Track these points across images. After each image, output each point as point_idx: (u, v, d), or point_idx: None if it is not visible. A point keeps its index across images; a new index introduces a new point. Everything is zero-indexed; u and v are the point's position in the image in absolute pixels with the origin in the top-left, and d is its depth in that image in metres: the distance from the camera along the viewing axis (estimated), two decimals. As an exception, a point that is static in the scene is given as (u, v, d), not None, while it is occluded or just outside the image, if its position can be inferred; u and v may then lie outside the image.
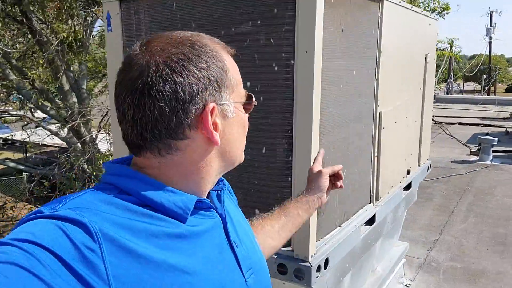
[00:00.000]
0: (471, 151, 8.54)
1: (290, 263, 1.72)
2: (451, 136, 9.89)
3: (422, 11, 2.83)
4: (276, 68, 1.67)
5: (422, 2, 11.53)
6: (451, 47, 31.26)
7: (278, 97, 1.69)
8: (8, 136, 15.93)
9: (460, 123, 12.98)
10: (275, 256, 1.75)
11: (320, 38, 1.59)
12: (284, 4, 1.61)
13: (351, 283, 2.37)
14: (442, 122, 11.84)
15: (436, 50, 3.64)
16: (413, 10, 2.63)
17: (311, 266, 1.68)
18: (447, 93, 27.26)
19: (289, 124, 1.68)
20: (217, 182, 0.94)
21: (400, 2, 2.39)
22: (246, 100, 0.88)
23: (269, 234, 1.21)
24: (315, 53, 1.57)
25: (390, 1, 2.20)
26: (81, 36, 6.98)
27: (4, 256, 0.60)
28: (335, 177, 1.38)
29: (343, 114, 1.91)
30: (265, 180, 1.78)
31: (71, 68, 7.34)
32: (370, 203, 2.30)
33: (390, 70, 2.32)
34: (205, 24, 1.81)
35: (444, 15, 15.31)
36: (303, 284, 1.70)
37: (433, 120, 4.56)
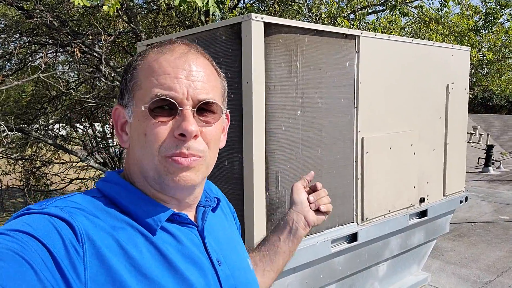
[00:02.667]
0: None
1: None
2: None
3: (434, 43, 2.92)
4: (232, 96, 2.06)
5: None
6: None
7: (234, 119, 2.07)
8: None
9: None
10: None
11: (260, 72, 1.95)
12: (235, 46, 2.02)
13: (334, 297, 2.49)
14: None
15: None
16: (416, 43, 2.77)
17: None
18: None
19: (240, 142, 2.04)
20: (208, 199, 0.96)
21: (389, 36, 2.59)
22: (145, 104, 0.80)
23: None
24: (254, 84, 1.93)
25: (367, 36, 2.43)
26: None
27: (1, 243, 0.63)
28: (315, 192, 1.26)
29: (306, 136, 2.18)
30: (229, 188, 2.14)
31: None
32: (353, 222, 2.45)
33: (378, 101, 2.50)
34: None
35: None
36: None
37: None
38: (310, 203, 1.22)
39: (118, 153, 14.07)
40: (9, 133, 4.93)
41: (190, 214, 0.90)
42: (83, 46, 7.10)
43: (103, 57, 5.43)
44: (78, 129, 13.90)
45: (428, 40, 2.92)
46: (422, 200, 2.86)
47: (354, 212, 2.45)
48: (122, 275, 0.71)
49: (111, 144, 14.08)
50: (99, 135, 14.63)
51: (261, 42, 1.95)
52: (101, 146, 13.60)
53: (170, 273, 0.77)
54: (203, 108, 0.82)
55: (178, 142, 0.79)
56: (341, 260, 2.41)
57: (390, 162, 2.61)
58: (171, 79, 0.80)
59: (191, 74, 0.82)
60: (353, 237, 2.41)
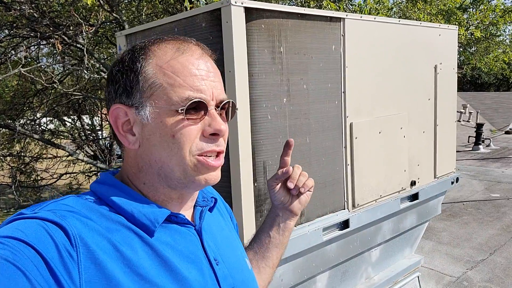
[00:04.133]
0: None
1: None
2: None
3: (421, 23, 2.86)
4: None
5: None
6: None
7: (218, 110, 2.00)
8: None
9: None
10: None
11: (242, 59, 1.88)
12: (216, 33, 1.94)
13: (328, 284, 2.47)
14: None
15: None
16: (402, 24, 2.70)
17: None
18: None
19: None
20: (206, 199, 0.97)
21: (376, 18, 2.52)
22: (179, 107, 0.80)
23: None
24: (236, 72, 1.86)
25: (353, 19, 2.36)
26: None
27: None
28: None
29: (293, 124, 2.12)
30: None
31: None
32: (344, 209, 2.42)
33: (365, 84, 2.45)
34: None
35: None
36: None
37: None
38: (290, 190, 1.17)
39: (108, 145, 13.94)
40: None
41: (188, 214, 0.90)
42: (65, 38, 6.94)
43: (85, 48, 5.29)
44: (66, 122, 13.72)
45: (416, 20, 2.86)
46: (413, 183, 2.84)
47: (345, 199, 2.41)
48: (118, 278, 0.70)
49: (100, 137, 13.94)
50: (88, 127, 14.46)
51: (242, 28, 1.88)
52: (91, 139, 13.46)
53: (168, 273, 0.77)
54: (222, 107, 0.86)
55: (208, 141, 0.82)
56: (333, 248, 2.38)
57: (380, 146, 2.57)
58: (199, 81, 0.81)
59: (211, 75, 0.84)
60: (345, 224, 2.38)
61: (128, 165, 0.87)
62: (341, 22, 2.31)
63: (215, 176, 0.86)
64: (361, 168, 2.45)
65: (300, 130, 2.16)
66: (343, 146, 2.38)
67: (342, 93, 2.35)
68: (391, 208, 2.65)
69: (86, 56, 5.36)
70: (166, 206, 0.86)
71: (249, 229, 1.96)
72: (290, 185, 1.15)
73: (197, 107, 0.81)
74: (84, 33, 5.38)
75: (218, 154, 0.86)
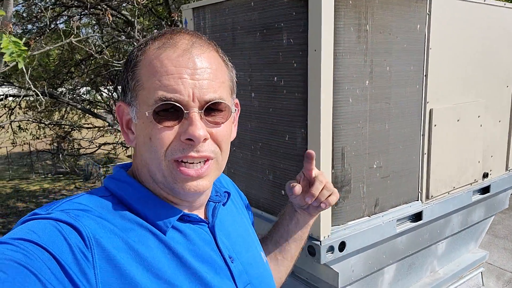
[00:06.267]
0: None
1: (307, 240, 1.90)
2: None
3: (505, 4, 2.63)
4: (295, 65, 1.87)
5: None
6: None
7: (297, 90, 1.89)
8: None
9: None
10: (294, 234, 1.95)
11: (329, 37, 1.75)
12: (300, 8, 1.81)
13: (395, 276, 2.37)
14: None
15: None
16: (488, 4, 2.49)
17: (320, 245, 1.84)
18: None
19: (305, 115, 1.86)
20: (219, 194, 0.93)
21: (462, -4, 2.32)
22: (149, 108, 0.75)
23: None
24: (322, 51, 1.73)
25: (441, -3, 2.17)
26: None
27: (3, 254, 0.60)
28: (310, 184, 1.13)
29: (374, 108, 1.99)
30: (289, 164, 1.99)
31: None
32: (418, 200, 2.29)
33: (447, 68, 2.27)
34: (245, 26, 2.10)
35: None
36: (315, 260, 1.87)
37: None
38: (308, 203, 1.12)
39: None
40: (42, 97, 4.87)
41: (201, 211, 0.88)
42: (109, 9, 6.91)
43: (135, 20, 5.23)
44: (102, 93, 13.91)
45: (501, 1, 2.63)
46: (485, 175, 2.67)
47: (419, 190, 2.28)
48: (135, 278, 0.69)
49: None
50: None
51: (330, 3, 1.74)
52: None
53: (184, 272, 0.75)
54: (211, 108, 0.77)
55: (185, 146, 0.75)
56: (403, 240, 2.27)
57: (457, 135, 2.41)
58: (174, 80, 0.73)
59: (196, 73, 0.75)
60: (417, 216, 2.25)
61: (135, 161, 0.86)
62: (428, 0, 2.13)
63: (200, 184, 0.78)
64: (438, 158, 2.31)
65: (380, 115, 2.02)
66: (421, 133, 2.23)
67: (424, 77, 2.19)
68: (463, 200, 2.51)
69: (134, 27, 5.30)
70: (177, 205, 0.83)
71: (326, 220, 1.87)
72: (309, 200, 1.09)
73: (175, 109, 0.74)
74: (133, 5, 5.30)
75: (206, 160, 0.79)
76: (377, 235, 2.05)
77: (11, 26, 2.90)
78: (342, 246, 1.91)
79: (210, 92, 0.76)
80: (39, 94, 4.42)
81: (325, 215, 1.86)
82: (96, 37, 9.76)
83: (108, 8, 5.78)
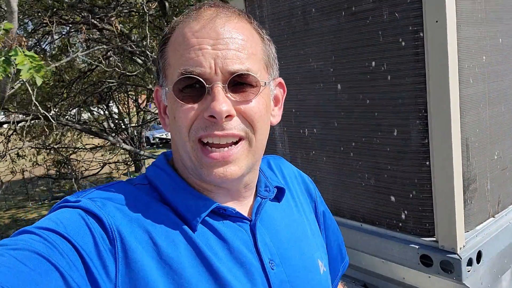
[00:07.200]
0: None
1: (436, 254, 1.57)
2: None
3: None
4: (403, 44, 1.55)
5: None
6: None
7: (408, 74, 1.56)
8: (162, 135, 18.24)
9: None
10: (417, 247, 1.62)
11: (452, 4, 1.43)
12: (408, -26, 1.49)
13: (511, 281, 2.06)
14: None
15: None
16: None
17: (461, 259, 1.51)
18: None
19: (423, 103, 1.54)
20: (268, 189, 0.84)
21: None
22: (173, 85, 0.72)
23: None
24: (447, 21, 1.41)
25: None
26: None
27: (24, 243, 0.60)
28: None
29: (491, 89, 1.68)
30: (399, 165, 1.66)
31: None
32: (532, 192, 1.98)
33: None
34: (323, 7, 1.78)
35: None
36: (453, 278, 1.54)
37: None
38: None
39: (136, 132, 13.65)
40: (45, 121, 4.48)
41: (244, 206, 0.80)
42: (95, 22, 6.57)
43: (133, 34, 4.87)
44: (93, 112, 13.48)
45: None
46: None
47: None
48: (153, 274, 0.65)
49: (128, 124, 13.64)
50: (117, 116, 14.18)
51: (450, -37, 1.42)
52: (119, 127, 13.18)
53: (206, 274, 0.69)
54: (238, 82, 0.70)
55: (208, 124, 0.69)
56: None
57: None
58: (195, 52, 0.69)
59: (219, 43, 0.69)
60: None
61: (172, 149, 0.82)
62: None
63: (228, 171, 0.71)
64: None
65: (496, 97, 1.71)
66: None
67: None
68: None
69: (135, 37, 4.93)
70: (213, 197, 0.76)
71: (460, 226, 1.54)
72: None
73: (197, 84, 0.69)
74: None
75: (238, 141, 0.72)
76: (506, 239, 1.73)
77: (24, 39, 2.53)
78: (479, 257, 1.59)
79: (236, 63, 0.69)
80: (49, 118, 4.03)
81: (457, 219, 1.53)
82: (83, 56, 9.38)
83: (87, 23, 5.42)
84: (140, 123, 13.62)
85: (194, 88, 0.69)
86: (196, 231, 0.71)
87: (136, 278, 0.65)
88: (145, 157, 9.19)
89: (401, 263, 1.68)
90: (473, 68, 1.58)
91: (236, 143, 0.72)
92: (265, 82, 0.74)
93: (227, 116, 0.69)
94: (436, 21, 1.43)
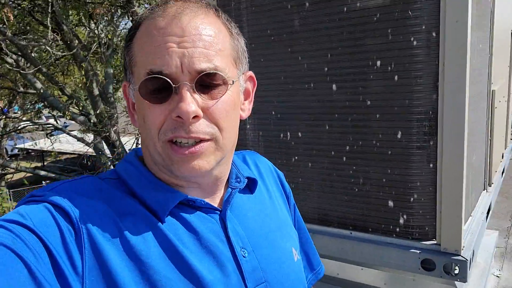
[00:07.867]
0: None
1: (439, 257, 1.55)
2: None
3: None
4: (414, 43, 1.50)
5: None
6: None
7: (418, 75, 1.52)
8: (31, 146, 16.00)
9: None
10: (418, 251, 1.58)
11: (474, 5, 1.42)
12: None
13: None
14: None
15: None
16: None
17: (467, 260, 1.51)
18: None
19: (431, 104, 1.51)
20: (239, 179, 0.84)
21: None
22: (139, 85, 0.70)
23: None
24: (469, 21, 1.40)
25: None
26: (108, 39, 6.87)
27: None
28: None
29: (472, 95, 1.73)
30: (401, 168, 1.61)
31: (98, 73, 7.24)
32: (484, 190, 2.13)
33: (502, 43, 2.14)
34: (318, 2, 1.65)
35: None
36: (457, 279, 1.54)
37: None
38: None
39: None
40: None
41: (216, 198, 0.80)
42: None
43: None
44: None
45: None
46: None
47: (484, 178, 2.12)
48: (120, 267, 0.64)
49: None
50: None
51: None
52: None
53: (176, 265, 0.68)
54: (206, 81, 0.69)
55: (176, 125, 0.69)
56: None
57: (504, 116, 2.32)
58: (160, 50, 0.67)
59: (185, 40, 0.68)
60: (489, 208, 2.09)
61: (142, 146, 0.81)
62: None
63: (197, 164, 0.71)
64: (496, 142, 2.18)
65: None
66: (486, 118, 2.07)
67: (489, 56, 2.01)
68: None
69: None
70: (183, 190, 0.76)
71: (465, 215, 1.55)
72: None
73: (164, 84, 0.68)
74: None
75: (206, 140, 0.72)
76: (481, 236, 1.82)
77: None
78: (473, 256, 1.63)
79: (202, 61, 0.68)
80: None
81: (462, 220, 1.54)
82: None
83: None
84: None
85: (161, 88, 0.68)
86: (164, 223, 0.71)
87: (103, 271, 0.64)
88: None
89: (400, 269, 1.63)
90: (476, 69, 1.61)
91: (203, 140, 0.72)
92: (233, 81, 0.73)
93: (194, 117, 0.68)
94: (456, 21, 1.41)
